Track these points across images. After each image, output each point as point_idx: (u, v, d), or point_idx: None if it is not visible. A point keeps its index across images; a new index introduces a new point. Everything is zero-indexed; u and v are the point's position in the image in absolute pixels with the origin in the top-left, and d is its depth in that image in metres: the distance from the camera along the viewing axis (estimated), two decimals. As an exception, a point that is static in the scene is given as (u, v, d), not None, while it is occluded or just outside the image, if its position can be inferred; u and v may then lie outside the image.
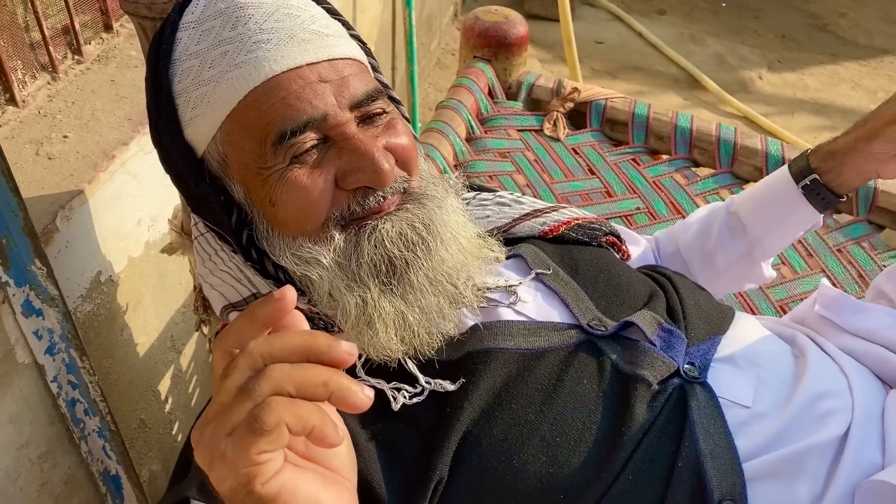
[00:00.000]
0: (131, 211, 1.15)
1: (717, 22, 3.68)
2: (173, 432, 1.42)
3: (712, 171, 1.51)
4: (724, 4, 3.83)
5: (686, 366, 0.79)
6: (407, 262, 0.74)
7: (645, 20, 3.59)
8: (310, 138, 0.73)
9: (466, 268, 0.79)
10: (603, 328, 0.82)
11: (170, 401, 1.38)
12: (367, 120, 0.76)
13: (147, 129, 1.15)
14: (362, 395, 0.49)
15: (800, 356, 0.86)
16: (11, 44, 1.10)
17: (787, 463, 0.74)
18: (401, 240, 0.75)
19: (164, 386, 1.35)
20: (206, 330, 1.21)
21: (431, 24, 2.90)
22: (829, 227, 1.41)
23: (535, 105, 1.64)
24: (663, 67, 3.27)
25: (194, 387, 1.47)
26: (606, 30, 3.51)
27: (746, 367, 0.81)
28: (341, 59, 0.76)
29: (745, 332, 0.86)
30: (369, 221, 0.75)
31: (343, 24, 0.82)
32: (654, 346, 0.80)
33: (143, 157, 1.15)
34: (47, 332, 0.98)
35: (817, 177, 0.99)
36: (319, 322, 0.81)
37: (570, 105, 1.59)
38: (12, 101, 1.12)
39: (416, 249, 0.75)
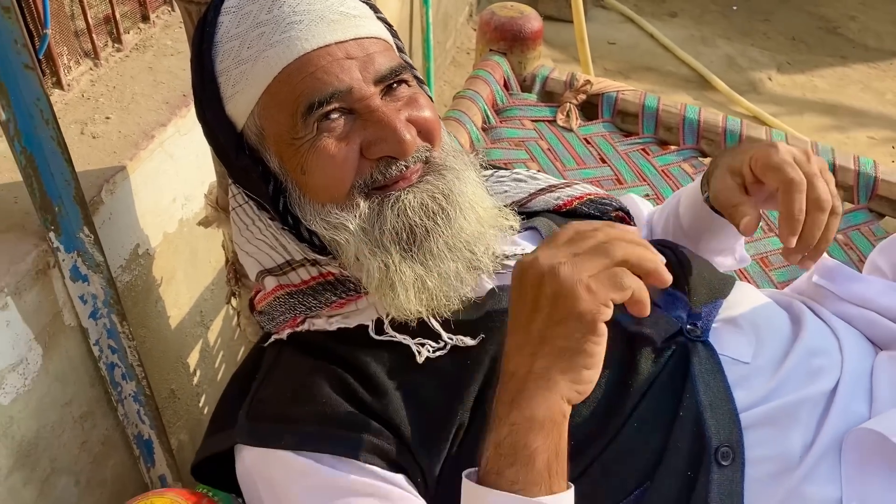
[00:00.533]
0: (167, 188, 1.22)
1: (728, 24, 3.73)
2: (200, 404, 1.49)
3: (719, 160, 1.57)
4: (734, 8, 3.88)
5: (689, 326, 0.85)
6: (427, 230, 0.80)
7: (657, 22, 3.64)
8: (335, 109, 0.79)
9: (484, 236, 0.85)
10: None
11: (198, 374, 1.45)
12: (390, 94, 0.83)
13: (183, 112, 1.23)
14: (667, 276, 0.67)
15: (795, 320, 0.91)
16: (58, 31, 1.17)
17: (781, 413, 0.80)
18: (422, 209, 0.80)
19: (193, 359, 1.42)
20: (234, 303, 1.27)
21: (447, 24, 2.97)
22: None
23: (549, 97, 1.70)
24: (674, 68, 3.33)
25: (220, 362, 1.54)
26: (619, 31, 3.57)
27: (746, 327, 0.87)
28: (367, 38, 0.82)
29: (746, 297, 0.92)
30: (393, 192, 0.81)
31: (371, 7, 0.88)
32: (659, 307, 0.86)
33: (179, 138, 1.22)
34: (91, 298, 1.05)
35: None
36: (349, 285, 0.87)
37: (582, 97, 1.66)
38: (58, 84, 1.19)
39: (436, 218, 0.81)
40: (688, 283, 0.91)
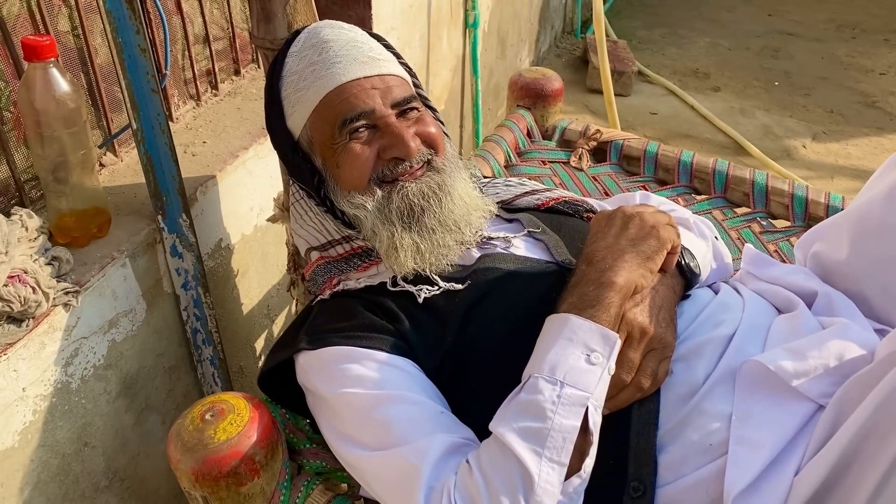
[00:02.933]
0: (246, 198, 1.56)
1: (769, 98, 3.98)
2: (263, 387, 1.79)
3: (708, 196, 1.83)
4: (776, 84, 4.13)
5: None
6: (423, 209, 1.11)
7: (699, 96, 3.92)
8: (362, 124, 1.11)
9: (469, 217, 1.15)
10: (572, 265, 1.15)
11: (262, 358, 1.76)
12: (404, 116, 1.15)
13: (261, 141, 1.59)
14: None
15: (715, 292, 1.16)
16: (172, 78, 1.56)
17: (691, 351, 1.04)
18: (420, 194, 1.12)
19: (259, 344, 1.74)
20: (294, 293, 1.59)
21: (499, 94, 3.33)
22: (765, 227, 1.71)
23: (566, 144, 2.00)
24: (711, 136, 3.59)
25: (281, 354, 1.84)
26: (661, 103, 3.87)
27: None
28: (388, 74, 1.15)
29: None
30: (400, 181, 1.12)
31: (394, 55, 1.22)
32: None
33: (257, 160, 1.57)
34: (184, 272, 1.39)
35: None
36: (372, 253, 1.17)
37: (593, 143, 1.95)
38: (170, 117, 1.57)
39: (430, 201, 1.12)
40: None
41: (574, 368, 0.91)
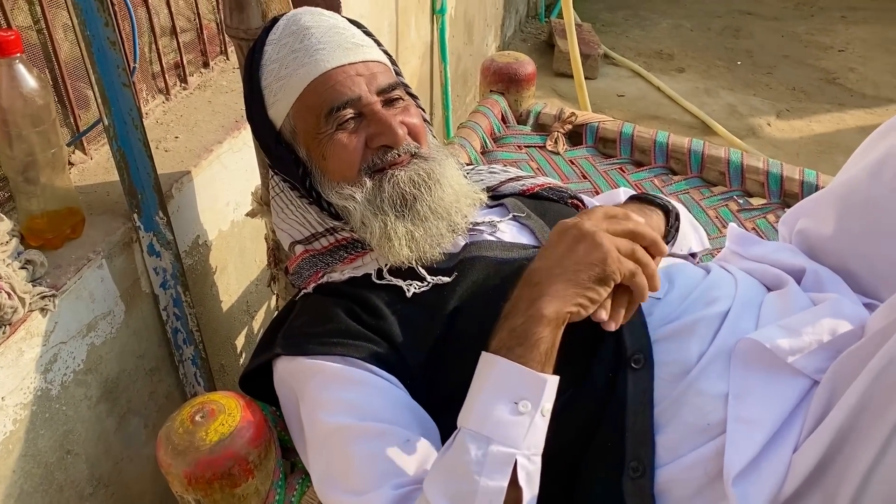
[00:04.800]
0: (222, 193, 1.53)
1: (732, 77, 4.02)
2: (245, 384, 1.76)
3: (684, 176, 1.84)
4: (738, 63, 4.17)
5: None
6: (414, 197, 1.09)
7: (664, 77, 3.95)
8: (349, 112, 1.09)
9: (459, 204, 1.14)
10: (559, 250, 1.14)
11: (243, 355, 1.73)
12: (389, 103, 1.13)
13: (235, 134, 1.55)
14: (664, 247, 0.98)
15: (705, 271, 1.16)
16: (140, 72, 1.51)
17: (683, 329, 1.04)
18: (411, 182, 1.09)
19: (240, 342, 1.71)
20: (274, 288, 1.56)
21: (467, 80, 3.31)
22: (742, 206, 1.73)
23: (541, 128, 1.99)
24: (678, 116, 3.61)
25: (262, 350, 1.81)
26: (627, 85, 3.89)
27: (663, 276, 1.11)
28: (372, 61, 1.13)
29: (669, 259, 1.17)
30: (389, 170, 1.10)
31: (375, 42, 1.19)
32: None
33: (232, 154, 1.53)
34: (162, 271, 1.35)
35: None
36: (357, 245, 1.15)
37: (568, 126, 1.94)
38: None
39: (421, 188, 1.10)
40: None
41: (501, 422, 0.87)
